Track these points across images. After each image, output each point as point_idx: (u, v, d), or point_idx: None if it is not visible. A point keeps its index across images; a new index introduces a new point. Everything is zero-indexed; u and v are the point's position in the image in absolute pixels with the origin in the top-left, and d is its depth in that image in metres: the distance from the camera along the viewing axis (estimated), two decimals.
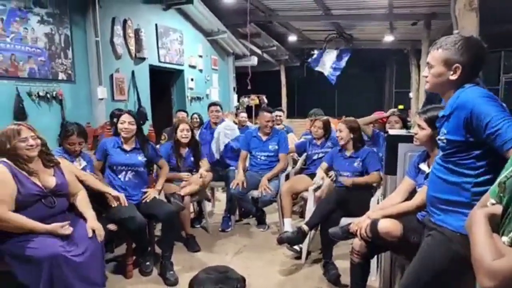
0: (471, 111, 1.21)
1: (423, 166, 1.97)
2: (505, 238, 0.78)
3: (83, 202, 2.19)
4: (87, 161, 2.68)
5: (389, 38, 8.61)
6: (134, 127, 2.77)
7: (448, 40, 1.36)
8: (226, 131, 3.97)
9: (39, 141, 2.00)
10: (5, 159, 1.92)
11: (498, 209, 0.87)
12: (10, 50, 3.24)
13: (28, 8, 3.38)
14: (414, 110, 8.02)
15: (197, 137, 3.86)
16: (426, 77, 1.42)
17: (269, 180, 3.48)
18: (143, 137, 2.87)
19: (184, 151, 3.37)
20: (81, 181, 2.31)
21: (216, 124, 4.02)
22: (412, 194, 1.98)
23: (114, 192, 2.51)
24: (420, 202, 1.84)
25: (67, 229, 1.95)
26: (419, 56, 7.68)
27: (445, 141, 1.33)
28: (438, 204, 1.39)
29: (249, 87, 6.71)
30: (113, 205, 2.49)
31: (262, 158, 3.65)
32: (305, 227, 2.69)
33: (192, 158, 3.37)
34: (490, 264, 0.74)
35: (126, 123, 2.74)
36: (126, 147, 2.78)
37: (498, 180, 0.90)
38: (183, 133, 3.29)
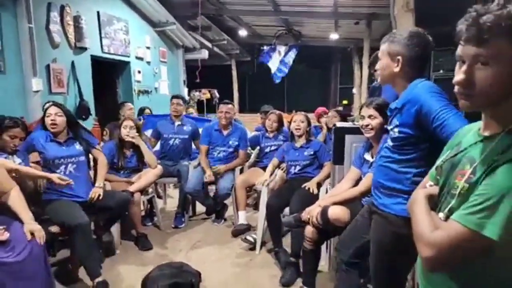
0: (421, 106, 1.27)
1: (367, 156, 2.09)
2: (441, 214, 0.88)
3: (17, 201, 1.98)
4: (22, 159, 2.41)
5: (334, 36, 8.96)
6: (63, 118, 2.52)
7: (394, 34, 1.42)
8: None
9: None
10: None
11: (435, 189, 0.96)
12: None
13: None
14: (357, 105, 8.47)
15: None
16: (376, 71, 1.48)
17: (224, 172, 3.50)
18: (76, 127, 2.65)
19: (129, 150, 3.21)
20: (14, 177, 2.09)
21: (176, 117, 3.84)
22: (358, 182, 2.11)
23: (52, 175, 2.29)
24: (364, 189, 1.96)
25: (3, 235, 1.76)
26: (361, 54, 8.10)
27: (397, 133, 1.38)
28: (381, 189, 1.48)
29: (197, 80, 6.59)
30: (60, 186, 2.32)
31: (221, 153, 3.62)
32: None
33: (136, 158, 3.22)
34: (429, 236, 0.83)
35: (52, 115, 2.49)
36: (60, 138, 2.55)
37: (436, 164, 0.99)
38: (126, 130, 3.13)
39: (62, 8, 4.21)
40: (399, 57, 1.37)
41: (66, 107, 2.71)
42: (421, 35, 1.39)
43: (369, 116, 1.94)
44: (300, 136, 3.08)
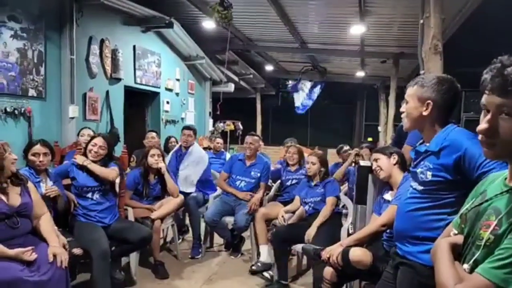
0: (464, 152, 1.26)
1: (388, 196, 2.09)
2: (465, 266, 0.85)
3: (47, 226, 2.08)
4: (53, 181, 2.54)
5: (360, 74, 9.04)
6: (105, 152, 2.69)
7: (424, 78, 1.44)
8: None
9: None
10: None
11: (460, 238, 0.94)
12: None
13: (2, 22, 3.30)
14: (383, 143, 8.35)
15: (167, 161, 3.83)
16: (403, 113, 1.47)
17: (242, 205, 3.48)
18: (109, 158, 2.78)
19: (153, 178, 3.29)
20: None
21: (186, 148, 3.94)
22: None
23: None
24: (386, 221, 1.93)
25: (31, 256, 1.84)
26: (387, 92, 8.09)
27: (429, 176, 1.35)
28: (408, 237, 1.42)
29: (218, 112, 6.79)
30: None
31: (242, 184, 3.61)
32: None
33: (159, 186, 3.29)
34: None
35: (96, 147, 2.66)
36: None
37: (460, 211, 0.97)
38: (153, 159, 3.23)
39: (102, 42, 4.51)
40: (429, 102, 1.37)
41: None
42: (450, 81, 1.40)
43: (375, 160, 2.10)
44: (313, 177, 3.08)
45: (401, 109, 1.48)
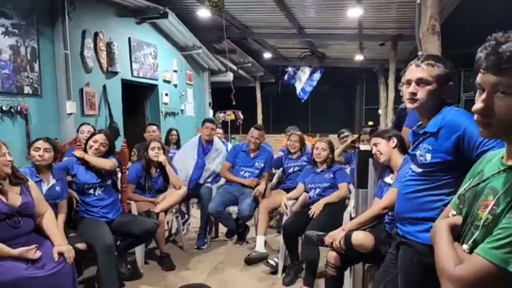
0: (464, 132, 1.23)
1: (388, 180, 2.08)
2: (465, 246, 0.84)
3: (50, 224, 2.09)
4: (57, 179, 2.49)
5: (359, 57, 8.94)
6: (106, 149, 2.69)
7: (439, 58, 1.36)
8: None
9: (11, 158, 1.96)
10: None
11: (459, 219, 0.93)
12: None
13: None
14: (383, 126, 8.30)
15: (171, 154, 3.82)
16: (414, 94, 1.33)
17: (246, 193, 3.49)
18: (109, 154, 2.77)
19: (155, 171, 3.29)
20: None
21: (208, 142, 3.92)
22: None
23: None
24: (387, 203, 1.92)
25: (35, 254, 1.86)
26: (387, 75, 8.01)
27: (428, 158, 1.33)
28: (407, 218, 1.42)
29: (234, 103, 6.73)
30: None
31: (246, 174, 3.64)
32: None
33: (162, 179, 3.29)
34: (452, 270, 0.79)
35: (97, 143, 2.65)
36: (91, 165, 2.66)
37: (458, 192, 0.95)
38: (154, 152, 3.22)
39: (96, 35, 4.46)
40: (452, 84, 1.32)
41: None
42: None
43: (374, 144, 2.08)
44: (321, 163, 3.07)
45: (412, 90, 1.33)
